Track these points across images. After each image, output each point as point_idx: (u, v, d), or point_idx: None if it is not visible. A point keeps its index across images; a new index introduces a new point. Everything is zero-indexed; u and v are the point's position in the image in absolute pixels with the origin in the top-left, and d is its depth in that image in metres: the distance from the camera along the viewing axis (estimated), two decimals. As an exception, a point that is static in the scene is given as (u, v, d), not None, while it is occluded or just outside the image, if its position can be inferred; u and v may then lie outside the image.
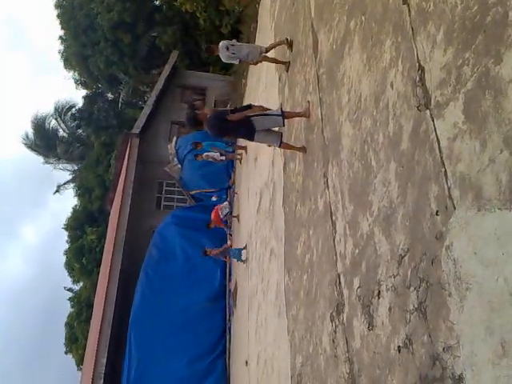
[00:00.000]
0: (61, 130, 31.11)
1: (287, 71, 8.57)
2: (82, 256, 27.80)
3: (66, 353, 29.33)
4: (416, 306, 3.20)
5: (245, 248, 12.33)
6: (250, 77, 15.85)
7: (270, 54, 9.31)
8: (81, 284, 30.39)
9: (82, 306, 28.11)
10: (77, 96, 32.28)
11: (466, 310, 2.67)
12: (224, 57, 8.28)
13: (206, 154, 14.80)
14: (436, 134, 3.18)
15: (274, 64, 10.18)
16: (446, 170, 3.02)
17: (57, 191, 33.59)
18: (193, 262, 15.57)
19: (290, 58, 8.51)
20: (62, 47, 29.12)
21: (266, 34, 12.54)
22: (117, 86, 29.22)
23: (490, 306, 2.45)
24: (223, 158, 15.11)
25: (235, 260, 13.38)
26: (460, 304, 2.72)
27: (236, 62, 8.64)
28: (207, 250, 13.76)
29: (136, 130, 19.62)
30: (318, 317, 5.44)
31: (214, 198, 16.55)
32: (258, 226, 10.73)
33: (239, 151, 15.48)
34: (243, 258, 12.44)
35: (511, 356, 2.26)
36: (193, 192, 17.92)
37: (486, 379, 2.41)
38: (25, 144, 30.71)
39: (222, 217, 14.23)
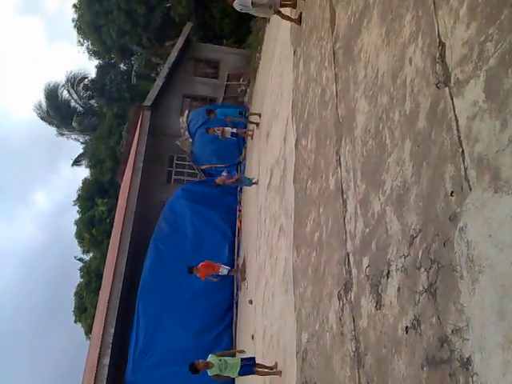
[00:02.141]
0: (73, 100, 31.05)
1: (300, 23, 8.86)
2: (93, 227, 28.05)
3: (75, 321, 29.92)
4: (426, 287, 3.17)
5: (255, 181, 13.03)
6: (265, 50, 15.60)
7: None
8: (91, 254, 30.80)
9: (91, 276, 28.49)
10: (89, 66, 32.10)
11: (477, 292, 2.63)
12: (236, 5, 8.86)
13: (217, 127, 14.66)
14: (454, 112, 3.09)
15: (289, 37, 9.99)
16: (463, 150, 2.94)
17: (75, 163, 33.82)
18: (202, 237, 15.64)
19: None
20: (75, 15, 28.85)
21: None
22: (130, 57, 28.91)
23: (503, 290, 2.41)
24: (234, 130, 14.96)
25: (247, 186, 13.96)
26: (471, 287, 2.68)
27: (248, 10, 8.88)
28: (217, 181, 13.80)
29: (148, 102, 19.48)
30: (325, 295, 5.44)
31: (224, 173, 16.48)
32: (268, 203, 10.71)
33: (251, 126, 15.34)
34: (254, 180, 13.11)
35: (523, 341, 2.22)
36: (203, 167, 17.86)
37: (496, 363, 2.38)
38: (37, 114, 30.77)
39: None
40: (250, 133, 15.43)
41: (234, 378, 12.38)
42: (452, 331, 2.79)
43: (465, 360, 2.63)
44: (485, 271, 2.59)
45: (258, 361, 8.32)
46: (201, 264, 12.40)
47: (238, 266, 14.67)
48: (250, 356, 8.76)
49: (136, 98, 26.81)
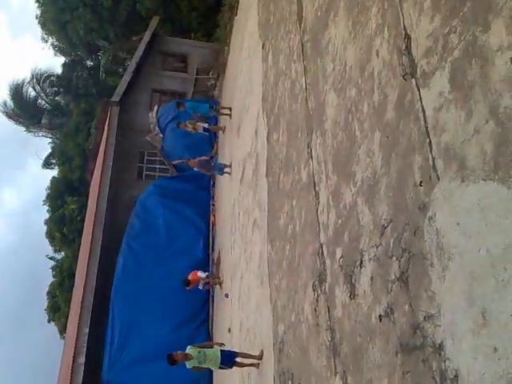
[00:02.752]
0: (40, 98, 30.32)
1: None
2: (63, 226, 27.49)
3: (48, 321, 29.39)
4: (398, 275, 3.23)
5: (229, 166, 12.85)
6: (233, 43, 15.51)
7: None
8: (62, 253, 30.23)
9: (64, 275, 27.96)
10: (55, 62, 31.38)
11: (447, 279, 2.69)
12: None
13: (188, 121, 14.51)
14: (421, 103, 3.15)
15: (257, 31, 9.96)
16: (430, 141, 3.00)
17: (45, 166, 33.06)
18: (175, 232, 15.53)
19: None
20: (38, 12, 28.04)
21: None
22: (96, 53, 28.32)
23: (472, 276, 2.48)
24: (206, 125, 14.86)
25: (218, 174, 13.81)
26: (442, 274, 2.74)
27: None
28: (190, 163, 13.70)
29: (116, 97, 19.12)
30: (300, 286, 5.49)
31: (196, 169, 16.37)
32: (241, 197, 10.70)
33: (222, 122, 15.26)
34: (227, 169, 12.97)
35: (491, 325, 2.29)
36: (175, 162, 17.70)
37: (466, 348, 2.45)
38: (3, 112, 29.95)
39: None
40: (222, 128, 15.34)
41: (211, 371, 12.39)
42: (424, 318, 2.86)
43: (437, 346, 2.70)
44: (454, 258, 2.65)
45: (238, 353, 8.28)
46: (190, 275, 12.69)
47: (213, 259, 14.65)
48: (230, 349, 8.66)
49: (104, 94, 26.32)
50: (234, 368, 8.13)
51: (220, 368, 7.94)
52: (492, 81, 2.46)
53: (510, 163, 2.28)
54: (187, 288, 12.56)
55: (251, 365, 7.69)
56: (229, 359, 7.82)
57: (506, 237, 2.26)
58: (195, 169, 13.91)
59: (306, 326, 5.16)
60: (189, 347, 7.76)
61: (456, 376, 2.50)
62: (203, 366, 7.68)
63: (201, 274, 12.86)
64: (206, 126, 14.70)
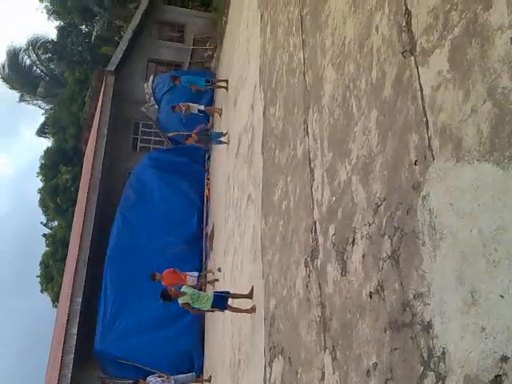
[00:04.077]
0: (35, 66, 29.84)
1: None
2: (57, 195, 27.45)
3: (41, 291, 29.61)
4: (389, 254, 3.25)
5: (225, 134, 12.58)
6: (231, 14, 15.22)
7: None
8: (55, 223, 30.27)
9: (57, 245, 28.08)
10: (49, 28, 30.72)
11: (438, 259, 2.71)
12: None
13: (182, 103, 14.31)
14: (419, 81, 3.11)
15: (256, 2, 9.75)
16: (427, 120, 2.98)
17: (40, 134, 32.78)
18: (170, 205, 15.54)
19: None
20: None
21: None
22: (91, 19, 27.75)
23: (463, 256, 2.50)
24: (202, 107, 14.69)
25: (215, 143, 13.47)
26: (433, 253, 2.76)
27: None
28: (188, 140, 13.35)
29: (111, 66, 18.82)
30: (292, 262, 5.53)
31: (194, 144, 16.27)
32: (236, 171, 10.67)
33: (218, 104, 15.05)
34: (224, 139, 12.67)
35: (480, 305, 2.32)
36: (170, 134, 17.56)
37: (455, 326, 2.48)
38: (1, 76, 29.52)
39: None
40: (218, 110, 15.11)
41: (202, 345, 12.50)
42: (414, 296, 2.89)
43: (426, 324, 2.74)
44: (446, 238, 2.66)
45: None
46: (166, 271, 11.43)
47: (206, 233, 14.68)
48: (223, 291, 8.49)
49: (99, 62, 25.91)
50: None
51: (212, 307, 7.79)
52: (491, 60, 2.43)
53: (505, 144, 2.27)
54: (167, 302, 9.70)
55: (246, 310, 7.56)
56: (221, 303, 7.75)
57: (499, 218, 2.26)
58: (195, 143, 13.63)
59: (297, 301, 5.23)
60: (184, 286, 7.70)
61: (443, 353, 2.55)
62: (195, 305, 7.56)
63: (190, 277, 11.80)
64: (201, 107, 14.52)
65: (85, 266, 14.94)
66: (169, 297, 7.52)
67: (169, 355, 12.44)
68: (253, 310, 7.36)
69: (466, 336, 2.39)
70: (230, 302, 7.93)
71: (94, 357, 13.94)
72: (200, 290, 11.59)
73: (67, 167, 27.94)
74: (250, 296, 7.56)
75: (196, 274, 12.16)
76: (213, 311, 8.03)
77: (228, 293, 8.06)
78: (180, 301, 7.56)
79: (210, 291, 8.35)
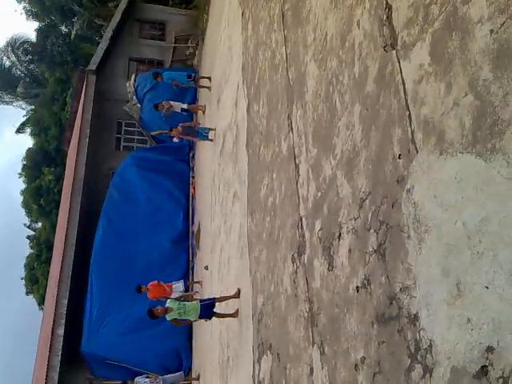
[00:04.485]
0: (14, 67, 29.39)
1: None
2: (40, 197, 27.10)
3: (26, 294, 29.26)
4: (375, 247, 3.26)
5: (213, 129, 12.24)
6: (212, 11, 15.13)
7: None
8: (39, 224, 29.90)
9: (41, 247, 27.74)
10: (28, 29, 30.33)
11: (423, 252, 2.73)
12: None
13: (165, 102, 14.18)
14: (402, 75, 3.12)
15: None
16: (410, 113, 2.99)
17: (18, 131, 32.30)
18: (155, 204, 15.44)
19: None
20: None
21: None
22: (71, 19, 27.38)
23: (448, 249, 2.51)
24: (185, 105, 14.58)
25: (202, 139, 13.06)
26: (418, 246, 2.78)
27: None
28: (173, 133, 12.88)
29: (92, 66, 18.59)
30: (279, 258, 5.53)
31: (175, 139, 16.16)
32: (221, 169, 10.64)
33: (202, 102, 14.94)
34: (210, 137, 12.33)
35: (466, 296, 2.34)
36: (153, 133, 17.42)
37: (441, 318, 2.50)
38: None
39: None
40: (202, 108, 15.01)
41: (190, 343, 12.46)
42: (400, 289, 2.91)
43: (412, 316, 2.75)
44: (431, 231, 2.68)
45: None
46: (150, 284, 11.24)
47: (192, 231, 14.64)
48: (209, 298, 8.57)
49: (79, 62, 25.60)
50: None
51: (200, 318, 7.91)
52: (472, 53, 2.44)
53: (487, 136, 2.29)
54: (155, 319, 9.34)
55: (231, 315, 7.67)
56: (208, 311, 7.82)
57: (482, 209, 2.28)
58: (178, 138, 13.34)
59: (284, 297, 5.23)
60: (169, 300, 7.74)
61: (430, 346, 2.56)
62: (183, 317, 7.65)
63: (176, 286, 11.62)
64: (184, 106, 14.37)
65: (70, 267, 14.77)
66: (155, 316, 7.61)
67: (157, 355, 12.37)
68: (236, 313, 7.48)
69: (452, 328, 2.41)
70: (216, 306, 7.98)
71: (82, 358, 13.82)
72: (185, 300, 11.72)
73: (50, 168, 27.58)
74: (236, 296, 7.65)
75: (181, 282, 11.98)
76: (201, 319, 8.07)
77: (214, 299, 8.11)
78: (168, 317, 7.65)
79: (195, 301, 8.37)
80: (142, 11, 20.50)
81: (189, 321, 8.12)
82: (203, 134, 12.84)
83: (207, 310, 7.80)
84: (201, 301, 8.17)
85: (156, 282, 11.31)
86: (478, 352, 2.21)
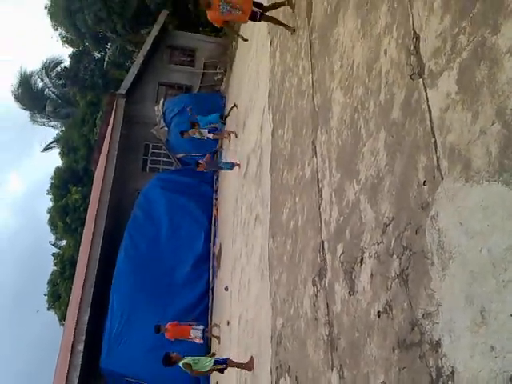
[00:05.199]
0: (47, 88, 30.49)
1: (293, 32, 7.42)
2: (66, 215, 27.70)
3: (48, 309, 29.64)
4: (398, 273, 3.25)
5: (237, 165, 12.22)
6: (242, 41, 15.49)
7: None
8: (64, 242, 30.44)
9: (65, 264, 28.20)
10: (63, 54, 31.57)
11: (447, 278, 2.71)
12: None
13: (192, 130, 14.48)
14: (428, 103, 3.16)
15: (266, 27, 9.95)
16: (435, 141, 3.02)
17: (45, 149, 33.32)
18: (177, 225, 15.60)
19: (294, 22, 7.56)
20: (48, 1, 28.12)
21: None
22: (104, 45, 28.41)
23: (472, 276, 2.50)
24: (210, 135, 14.84)
25: (226, 169, 13.12)
26: (442, 273, 2.77)
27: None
28: (199, 168, 12.95)
29: (122, 90, 19.18)
30: (300, 281, 5.52)
31: (201, 161, 16.39)
32: (244, 191, 10.74)
33: (228, 130, 15.15)
34: (236, 163, 12.33)
35: (490, 324, 2.31)
36: (179, 155, 17.76)
37: (464, 345, 2.47)
38: (14, 95, 30.14)
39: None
40: (227, 136, 15.19)
41: (209, 377, 12.40)
42: (423, 315, 2.89)
43: (434, 343, 2.72)
44: (455, 258, 2.67)
45: (232, 354, 8.28)
46: (169, 324, 11.28)
47: (213, 253, 14.68)
48: (224, 357, 8.73)
49: (110, 86, 26.40)
50: (232, 360, 8.22)
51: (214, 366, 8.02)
52: (499, 83, 2.48)
53: (514, 165, 2.30)
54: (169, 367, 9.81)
55: (245, 366, 7.83)
56: (220, 364, 8.02)
57: (508, 238, 2.28)
58: (205, 170, 13.39)
59: (304, 320, 5.20)
60: (185, 358, 7.88)
61: (452, 373, 2.53)
62: (196, 367, 7.74)
63: (195, 331, 11.45)
64: (209, 136, 14.49)
65: (92, 284, 14.96)
66: (170, 361, 7.70)
67: (175, 373, 12.28)
68: (252, 362, 7.59)
69: (476, 355, 2.38)
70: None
71: (100, 374, 13.88)
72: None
73: (77, 187, 28.24)
74: (249, 368, 7.71)
75: (201, 327, 11.84)
76: (214, 370, 8.13)
77: (227, 360, 8.23)
78: (181, 363, 7.71)
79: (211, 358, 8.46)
80: (173, 38, 21.16)
81: (202, 372, 8.13)
82: (227, 167, 12.90)
83: (220, 364, 8.02)
84: (215, 359, 8.31)
85: (176, 322, 11.40)
86: (501, 380, 2.17)
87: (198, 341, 11.47)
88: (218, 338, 11.87)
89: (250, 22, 7.62)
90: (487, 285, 2.38)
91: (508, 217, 2.31)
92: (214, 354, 10.98)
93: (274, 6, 7.81)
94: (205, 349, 12.78)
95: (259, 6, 7.32)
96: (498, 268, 2.32)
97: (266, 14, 7.55)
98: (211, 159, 14.03)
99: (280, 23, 7.75)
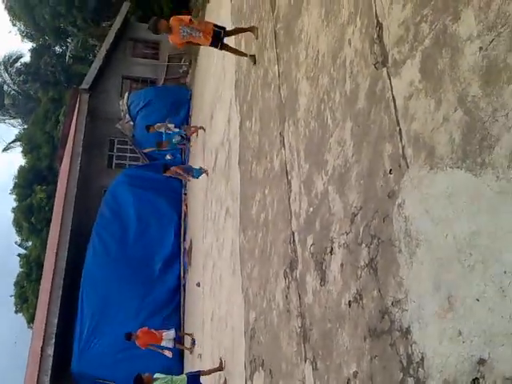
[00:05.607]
0: (6, 85, 29.50)
1: (254, 64, 7.30)
2: (31, 215, 26.96)
3: (16, 312, 28.89)
4: (367, 262, 3.27)
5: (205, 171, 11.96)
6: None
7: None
8: (30, 243, 29.67)
9: (31, 265, 27.50)
10: (23, 49, 30.56)
11: (415, 266, 2.74)
12: None
13: (158, 124, 14.23)
14: (392, 92, 3.17)
15: (230, 18, 9.85)
16: (400, 129, 3.03)
17: (6, 149, 32.29)
18: (147, 222, 15.38)
19: (255, 50, 7.35)
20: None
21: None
22: (65, 39, 27.66)
23: (439, 262, 2.53)
24: (176, 130, 14.62)
25: (197, 177, 12.61)
26: (409, 260, 2.79)
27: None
28: (168, 173, 12.56)
29: (85, 85, 18.72)
30: (271, 274, 5.52)
31: (168, 157, 16.21)
32: (214, 185, 10.66)
33: (194, 127, 14.97)
34: (204, 169, 12.00)
35: (457, 309, 2.34)
36: (146, 150, 17.46)
37: (433, 332, 2.50)
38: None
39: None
40: (195, 131, 15.02)
41: (182, 357, 12.32)
42: (392, 303, 2.91)
43: (404, 330, 2.75)
44: (422, 245, 2.70)
45: (205, 351, 8.29)
46: (140, 330, 11.06)
47: (184, 248, 14.56)
48: (196, 370, 8.83)
49: (72, 81, 25.75)
50: (205, 356, 8.21)
51: None
52: (461, 70, 2.49)
53: (476, 151, 2.32)
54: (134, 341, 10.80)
55: (217, 369, 8.04)
56: (194, 380, 8.01)
57: (473, 223, 2.30)
58: (173, 175, 12.84)
59: (276, 312, 5.20)
60: (157, 374, 7.90)
61: (422, 359, 2.56)
62: None
63: (167, 335, 11.28)
64: (176, 130, 14.14)
65: (60, 286, 14.63)
66: (143, 382, 7.65)
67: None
68: (221, 365, 7.86)
69: (444, 341, 2.41)
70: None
71: (72, 378, 13.59)
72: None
73: (41, 186, 27.49)
74: (220, 369, 7.92)
75: (172, 330, 11.62)
76: None
77: (199, 371, 8.36)
78: None
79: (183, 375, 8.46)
80: (136, 30, 20.74)
81: None
82: (198, 174, 12.42)
83: (194, 381, 7.98)
84: (187, 373, 8.34)
85: (146, 328, 11.18)
86: (469, 365, 2.21)
87: (167, 354, 11.37)
88: (190, 349, 11.75)
89: (213, 11, 7.49)
90: (453, 270, 2.41)
91: (472, 202, 2.33)
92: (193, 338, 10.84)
93: (237, 31, 7.85)
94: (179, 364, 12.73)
95: (222, 28, 7.19)
96: (463, 253, 2.35)
97: (228, 44, 7.58)
98: (174, 156, 13.73)
99: (241, 54, 7.79)
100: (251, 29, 7.38)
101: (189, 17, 7.04)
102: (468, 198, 2.37)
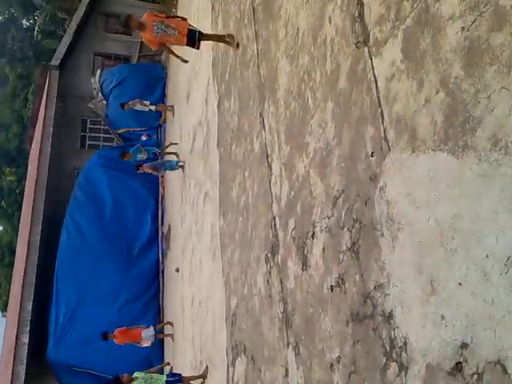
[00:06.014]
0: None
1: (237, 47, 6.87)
2: (1, 198, 26.31)
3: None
4: (349, 246, 3.25)
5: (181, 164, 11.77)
6: (181, 5, 14.91)
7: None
8: (1, 227, 29.00)
9: (3, 250, 26.91)
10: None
11: (397, 249, 2.72)
12: None
13: (132, 101, 13.90)
14: (374, 72, 3.10)
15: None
16: (382, 111, 2.98)
17: None
18: (122, 205, 15.09)
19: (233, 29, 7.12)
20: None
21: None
22: (33, 12, 26.60)
23: (421, 246, 2.51)
24: (153, 107, 14.33)
25: (172, 171, 12.55)
26: (391, 244, 2.77)
27: None
28: (140, 170, 12.32)
29: (55, 61, 18.08)
30: (252, 259, 5.47)
31: (143, 138, 15.87)
32: (192, 168, 10.49)
33: (169, 106, 14.71)
34: (180, 164, 11.86)
35: (439, 293, 2.34)
36: (120, 131, 17.08)
37: (415, 316, 2.50)
38: None
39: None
40: (170, 109, 14.76)
41: (162, 347, 12.30)
42: (374, 287, 2.90)
43: (387, 314, 2.74)
44: (403, 229, 2.68)
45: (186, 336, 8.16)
46: (117, 330, 10.90)
47: (162, 233, 14.40)
48: (176, 372, 8.68)
49: (42, 58, 24.90)
50: (187, 342, 8.16)
51: None
52: (443, 50, 2.44)
53: (458, 134, 2.29)
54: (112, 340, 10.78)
55: (200, 376, 7.79)
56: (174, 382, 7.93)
57: (455, 206, 2.29)
58: (147, 170, 12.42)
59: (258, 298, 5.18)
60: (136, 372, 7.86)
61: (405, 343, 2.56)
62: None
63: (146, 333, 11.17)
64: (152, 108, 14.09)
65: (34, 271, 14.33)
66: (122, 383, 7.60)
67: (127, 361, 12.07)
68: (206, 371, 7.57)
69: (427, 325, 2.41)
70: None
71: (48, 366, 13.41)
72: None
73: (11, 168, 26.74)
74: (204, 376, 7.68)
75: (151, 327, 11.50)
76: None
77: (180, 375, 8.16)
78: None
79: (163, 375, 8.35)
80: (108, 4, 20.05)
81: None
82: (172, 167, 12.21)
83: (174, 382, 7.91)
84: (168, 376, 8.22)
85: (124, 328, 11.08)
86: (452, 349, 2.21)
87: (146, 344, 11.23)
88: (171, 335, 11.69)
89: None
90: (436, 254, 2.40)
91: (454, 186, 2.31)
92: (168, 364, 10.97)
93: (213, 38, 7.58)
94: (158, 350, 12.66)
95: (197, 30, 6.87)
96: (445, 237, 2.34)
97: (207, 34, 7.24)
98: (150, 137, 13.51)
99: (221, 40, 7.39)
100: (229, 38, 7.07)
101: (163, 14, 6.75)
102: (450, 181, 2.34)
